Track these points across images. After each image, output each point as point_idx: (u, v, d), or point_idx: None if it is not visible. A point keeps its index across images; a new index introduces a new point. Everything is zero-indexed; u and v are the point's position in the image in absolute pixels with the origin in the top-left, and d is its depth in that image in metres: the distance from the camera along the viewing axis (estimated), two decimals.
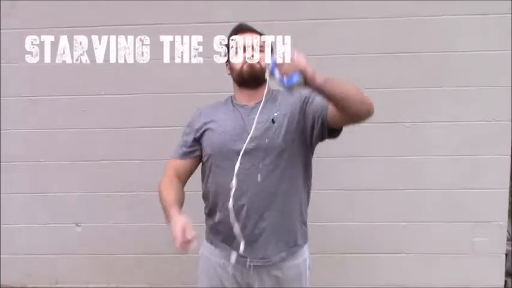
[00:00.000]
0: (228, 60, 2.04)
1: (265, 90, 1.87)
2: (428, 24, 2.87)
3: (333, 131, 1.90)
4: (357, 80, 2.79)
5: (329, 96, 1.71)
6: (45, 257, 3.18)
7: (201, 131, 1.98)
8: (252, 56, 1.93)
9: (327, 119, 1.85)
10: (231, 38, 1.99)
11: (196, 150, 2.02)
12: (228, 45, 2.02)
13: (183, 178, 2.05)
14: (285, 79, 1.64)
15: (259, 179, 1.85)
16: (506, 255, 3.02)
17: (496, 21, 2.83)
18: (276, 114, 1.90)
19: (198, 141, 2.00)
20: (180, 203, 1.93)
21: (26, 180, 3.14)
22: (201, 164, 2.04)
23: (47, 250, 3.17)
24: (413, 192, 2.98)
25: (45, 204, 3.14)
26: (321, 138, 1.93)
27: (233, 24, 2.00)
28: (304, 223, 2.01)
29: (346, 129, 2.83)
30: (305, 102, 1.91)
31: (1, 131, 3.10)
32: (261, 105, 1.85)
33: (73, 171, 3.10)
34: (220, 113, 1.99)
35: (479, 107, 2.90)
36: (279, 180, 1.87)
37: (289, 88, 1.66)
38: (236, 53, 1.97)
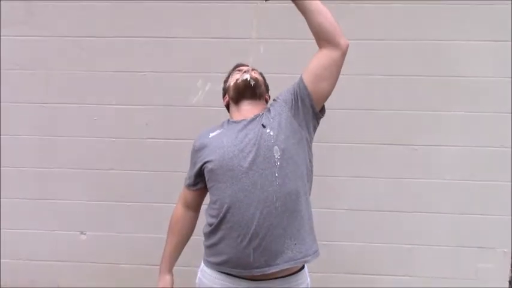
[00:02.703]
0: (225, 94, 2.15)
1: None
2: (438, 48, 2.89)
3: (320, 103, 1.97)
4: (367, 101, 2.90)
5: (303, 1, 1.87)
6: (48, 263, 3.18)
7: (200, 157, 2.01)
8: (248, 71, 2.05)
9: (304, 81, 1.93)
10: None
11: (199, 182, 2.08)
12: (226, 82, 2.15)
13: (193, 206, 2.15)
14: None
15: (264, 185, 1.87)
16: (510, 282, 3.00)
17: (507, 47, 2.86)
18: (266, 119, 1.94)
19: (199, 172, 2.04)
20: (180, 249, 2.17)
21: (33, 186, 3.16)
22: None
23: (51, 256, 3.18)
24: (420, 215, 2.98)
25: (51, 211, 3.15)
26: (313, 112, 1.96)
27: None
28: (311, 220, 2.00)
29: (354, 150, 2.91)
30: (294, 94, 1.96)
31: (11, 136, 3.13)
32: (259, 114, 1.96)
33: (81, 179, 3.12)
34: (216, 132, 2.03)
35: (488, 133, 2.91)
36: (283, 183, 1.88)
37: None
38: (233, 75, 2.11)
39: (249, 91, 2.03)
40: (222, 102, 2.18)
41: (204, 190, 2.10)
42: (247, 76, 2.03)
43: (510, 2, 2.82)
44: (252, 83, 2.02)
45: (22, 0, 3.03)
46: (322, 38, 1.90)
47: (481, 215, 2.95)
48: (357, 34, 2.60)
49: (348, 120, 2.92)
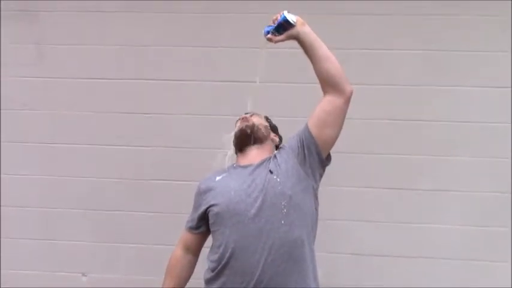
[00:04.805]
0: None
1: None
2: (441, 94, 2.94)
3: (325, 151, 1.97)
4: (370, 145, 2.92)
5: (310, 46, 1.92)
6: None
7: (205, 200, 2.01)
8: (245, 116, 2.09)
9: (309, 128, 1.95)
10: None
11: (202, 226, 2.07)
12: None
13: (193, 250, 2.12)
14: (278, 18, 1.88)
15: (270, 232, 1.86)
16: None
17: (507, 94, 2.90)
18: (273, 165, 1.95)
19: (203, 216, 2.03)
20: None
21: (36, 227, 3.15)
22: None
23: None
24: (424, 261, 2.95)
25: (53, 252, 3.13)
26: (319, 160, 1.96)
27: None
28: (315, 269, 1.98)
29: (358, 193, 2.91)
30: (299, 141, 1.97)
31: (15, 176, 3.14)
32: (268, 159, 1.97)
33: (84, 220, 3.11)
34: (222, 176, 2.03)
35: (492, 179, 2.92)
36: (289, 230, 1.87)
37: (279, 26, 1.87)
38: (236, 124, 2.13)
39: (247, 138, 2.05)
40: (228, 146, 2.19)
41: (205, 234, 2.08)
42: (242, 125, 2.06)
43: (510, 50, 2.88)
44: (248, 130, 2.04)
45: (34, 43, 3.12)
46: (328, 84, 1.93)
47: (486, 261, 2.92)
48: (360, 79, 2.64)
49: (352, 164, 2.93)
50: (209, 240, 2.07)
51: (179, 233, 2.21)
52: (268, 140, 2.10)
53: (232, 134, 2.09)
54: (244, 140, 2.05)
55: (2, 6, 3.09)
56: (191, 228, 2.09)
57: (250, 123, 2.06)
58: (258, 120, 2.10)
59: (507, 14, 2.86)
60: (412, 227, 2.95)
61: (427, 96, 2.94)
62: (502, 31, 2.88)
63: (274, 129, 2.18)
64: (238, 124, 2.10)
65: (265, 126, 2.11)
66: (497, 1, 2.87)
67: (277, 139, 2.15)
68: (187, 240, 2.11)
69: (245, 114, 2.14)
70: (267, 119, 2.18)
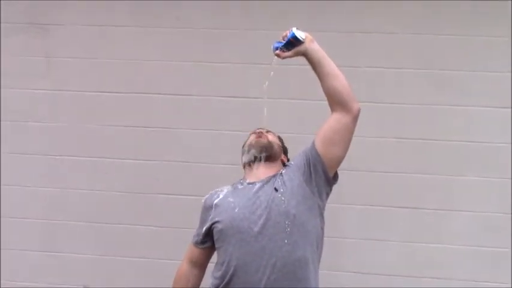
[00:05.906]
0: (243, 154, 2.13)
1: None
2: (447, 113, 2.95)
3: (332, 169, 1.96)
4: (374, 163, 2.92)
5: (318, 62, 1.91)
6: None
7: (210, 216, 2.00)
8: (261, 131, 2.08)
9: (315, 147, 1.94)
10: None
11: (207, 241, 2.05)
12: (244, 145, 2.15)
13: (199, 264, 2.11)
14: (288, 35, 1.88)
15: (273, 251, 1.85)
16: None
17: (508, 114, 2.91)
18: (278, 183, 1.94)
19: (208, 232, 2.02)
20: None
21: (38, 239, 3.15)
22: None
23: None
24: (430, 281, 2.92)
25: (55, 264, 3.12)
26: (325, 178, 1.95)
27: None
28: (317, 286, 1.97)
29: (365, 211, 2.92)
30: (306, 159, 1.96)
31: (20, 187, 3.15)
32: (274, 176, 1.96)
33: (87, 233, 3.11)
34: (227, 192, 2.03)
35: (494, 199, 2.91)
36: (292, 249, 1.86)
37: (288, 43, 1.88)
38: (250, 138, 2.12)
39: (264, 149, 2.03)
40: (233, 157, 2.19)
41: (211, 249, 2.07)
42: (259, 141, 2.04)
43: (510, 71, 2.89)
44: (264, 149, 2.02)
45: (41, 56, 3.14)
46: (336, 101, 1.92)
47: (488, 282, 2.90)
48: (368, 97, 2.67)
49: (357, 182, 2.93)
50: (216, 256, 2.06)
51: (183, 248, 2.21)
52: (278, 160, 2.09)
53: (246, 146, 2.08)
54: (259, 148, 2.02)
55: (10, 18, 3.12)
56: (197, 243, 2.08)
57: (266, 140, 2.05)
58: (273, 138, 2.10)
59: (507, 35, 2.88)
60: (416, 246, 2.94)
61: (431, 116, 2.95)
62: (503, 52, 2.90)
63: (284, 150, 2.16)
64: (253, 138, 2.08)
65: (279, 146, 2.10)
66: (498, 22, 2.90)
67: (285, 161, 2.13)
68: (193, 254, 2.11)
69: (259, 129, 2.13)
70: (279, 138, 2.16)
